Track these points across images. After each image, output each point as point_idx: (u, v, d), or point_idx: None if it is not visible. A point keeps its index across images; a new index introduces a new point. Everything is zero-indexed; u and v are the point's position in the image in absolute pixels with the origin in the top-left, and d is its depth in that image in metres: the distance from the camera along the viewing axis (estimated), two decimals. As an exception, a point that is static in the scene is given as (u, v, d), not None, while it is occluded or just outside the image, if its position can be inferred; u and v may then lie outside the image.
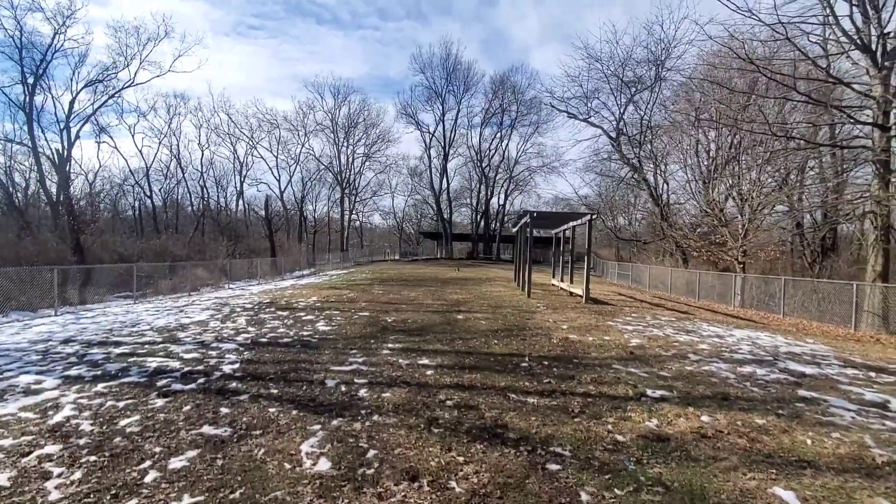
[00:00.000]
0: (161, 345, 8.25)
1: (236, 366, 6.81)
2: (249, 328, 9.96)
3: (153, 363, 6.91)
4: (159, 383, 5.92)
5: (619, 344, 8.81)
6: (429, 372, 6.60)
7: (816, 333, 12.92)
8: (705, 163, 28.56)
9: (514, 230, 25.46)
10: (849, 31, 16.01)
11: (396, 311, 12.50)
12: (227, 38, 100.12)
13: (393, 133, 75.32)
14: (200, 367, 6.69)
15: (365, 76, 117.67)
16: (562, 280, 21.83)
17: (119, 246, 35.59)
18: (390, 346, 8.30)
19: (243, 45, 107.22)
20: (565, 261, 23.79)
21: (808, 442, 4.44)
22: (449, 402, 5.32)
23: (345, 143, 58.37)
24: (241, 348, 7.97)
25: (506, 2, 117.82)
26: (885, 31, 15.77)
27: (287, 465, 3.77)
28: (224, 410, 4.99)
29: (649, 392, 5.87)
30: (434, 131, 57.93)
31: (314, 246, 57.36)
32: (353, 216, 62.27)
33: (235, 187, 57.30)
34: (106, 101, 35.88)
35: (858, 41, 15.91)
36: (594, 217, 16.78)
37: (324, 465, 3.79)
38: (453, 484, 3.52)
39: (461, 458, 3.93)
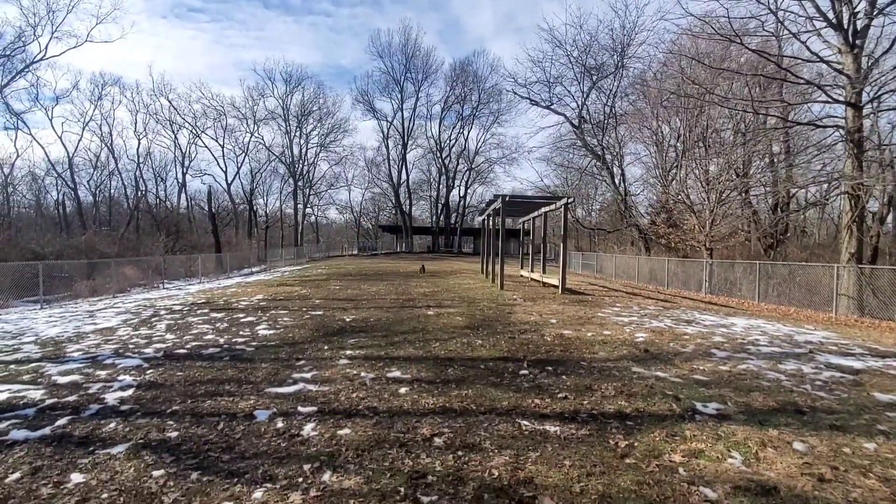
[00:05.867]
0: (34, 364, 6.05)
1: (128, 393, 4.81)
2: (168, 336, 7.83)
3: (2, 394, 4.78)
4: (-8, 430, 3.87)
5: (624, 339, 7.41)
6: (402, 390, 4.86)
7: (802, 319, 12.19)
8: (669, 150, 28.15)
9: (480, 218, 24.01)
10: (823, 8, 15.52)
11: (356, 309, 10.64)
12: (165, 21, 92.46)
13: (349, 123, 72.12)
14: (72, 399, 4.64)
15: (317, 64, 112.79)
16: (532, 270, 20.59)
17: (34, 243, 31.33)
18: (349, 353, 6.49)
19: (182, 30, 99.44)
20: (535, 251, 22.63)
21: (966, 480, 3.08)
22: (438, 441, 3.62)
23: (298, 133, 54.90)
24: (145, 365, 5.92)
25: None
26: (856, 9, 15.38)
27: None
28: (75, 479, 3.06)
29: (699, 406, 4.41)
30: (392, 120, 55.53)
31: (266, 242, 53.69)
32: (307, 210, 58.92)
33: (177, 180, 52.66)
34: (14, 77, 31.25)
35: (833, 20, 15.42)
36: (570, 201, 15.50)
37: None
38: None
39: (478, 565, 2.24)
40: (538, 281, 18.09)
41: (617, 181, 33.50)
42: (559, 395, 4.69)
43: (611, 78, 33.83)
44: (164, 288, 21.71)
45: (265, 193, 58.81)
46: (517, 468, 3.19)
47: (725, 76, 19.72)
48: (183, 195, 53.54)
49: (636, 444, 3.59)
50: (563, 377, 5.35)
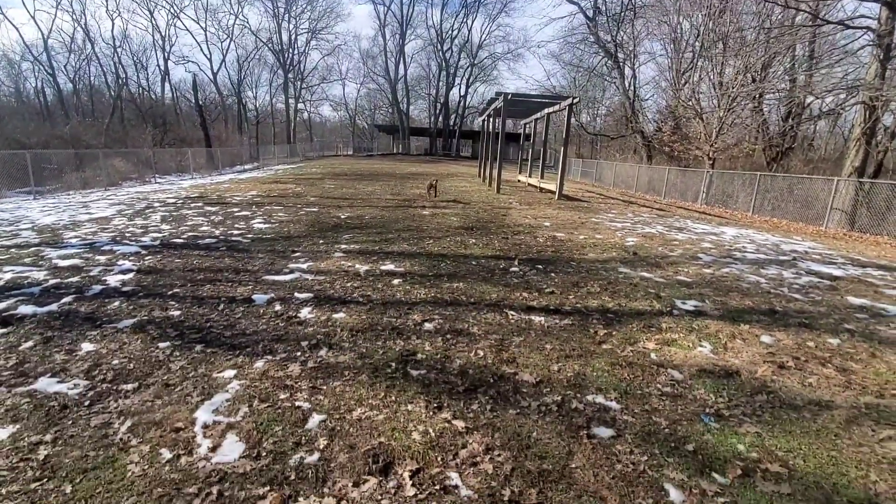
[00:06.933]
0: (33, 248, 6.15)
1: (128, 276, 4.95)
2: (163, 226, 7.89)
3: (6, 274, 4.91)
4: (1, 305, 4.03)
5: (615, 243, 7.55)
6: (396, 281, 5.03)
7: (793, 231, 12.37)
8: (686, 49, 26.27)
9: (480, 119, 23.11)
10: None
11: (351, 207, 10.63)
12: None
13: (342, 6, 65.87)
14: (74, 280, 4.78)
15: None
16: (530, 176, 20.31)
17: (18, 132, 30.17)
18: (344, 247, 6.61)
19: None
20: (534, 156, 22.13)
21: (913, 371, 3.34)
22: (428, 326, 3.83)
23: (286, 16, 50.34)
24: (143, 252, 6.03)
25: None
26: None
27: (165, 454, 2.20)
28: (86, 348, 3.26)
29: (679, 303, 4.62)
30: (390, 5, 50.78)
31: (258, 139, 51.88)
32: (299, 106, 56.14)
33: (159, 67, 49.20)
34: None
35: None
36: (576, 102, 14.79)
37: (230, 448, 2.25)
38: (454, 478, 2.10)
39: (460, 424, 2.49)
40: (535, 186, 17.94)
41: (627, 83, 31.73)
42: (546, 291, 4.88)
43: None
44: (155, 182, 21.43)
45: (254, 85, 55.53)
46: (501, 350, 3.42)
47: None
48: (167, 84, 50.47)
49: (614, 333, 3.81)
50: (552, 275, 5.53)
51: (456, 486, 2.05)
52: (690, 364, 3.31)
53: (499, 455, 2.26)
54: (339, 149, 53.55)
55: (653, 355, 3.43)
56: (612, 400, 2.79)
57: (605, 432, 2.47)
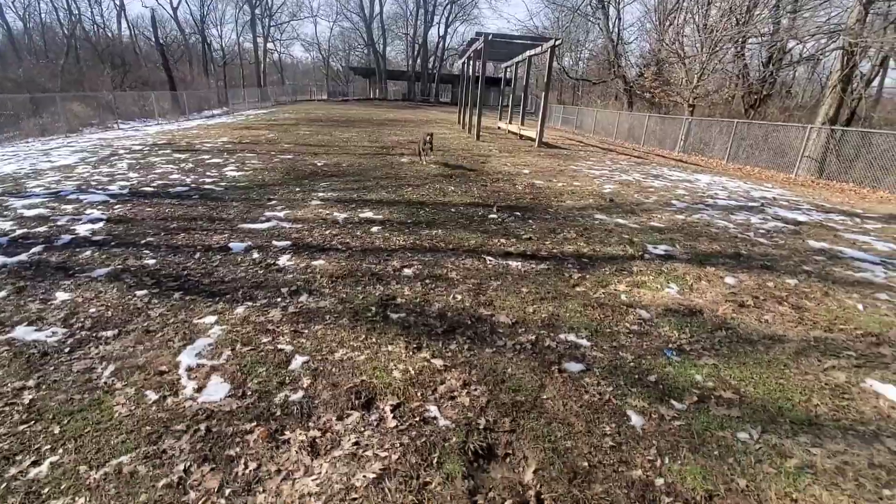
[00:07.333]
0: (-8, 198, 5.88)
1: (98, 226, 4.82)
2: (131, 174, 7.58)
3: (-33, 224, 4.72)
4: (-35, 255, 3.91)
5: (592, 190, 7.62)
6: (374, 229, 5.03)
7: (764, 178, 12.67)
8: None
9: (460, 62, 22.28)
10: None
11: (327, 155, 10.36)
12: None
13: (310, -65, 60.83)
14: (42, 230, 4.63)
15: None
16: (510, 123, 19.96)
17: (-39, 74, 27.83)
18: (321, 195, 6.51)
19: None
20: (515, 103, 21.64)
21: (860, 308, 3.59)
22: (407, 272, 3.89)
23: (248, -56, 46.26)
24: (111, 201, 5.83)
25: None
26: None
27: (151, 396, 2.26)
28: (61, 297, 3.22)
29: (651, 248, 4.78)
30: (362, -67, 47.00)
31: (226, 83, 49.02)
32: (269, 45, 52.87)
33: (113, 1, 45.29)
34: None
35: None
36: (558, 43, 14.34)
37: (215, 389, 2.32)
38: (433, 410, 2.23)
39: (438, 363, 2.61)
40: (515, 133, 17.69)
41: (611, 23, 30.77)
42: (524, 237, 4.97)
43: None
44: (119, 128, 20.30)
45: (218, 22, 51.92)
46: (479, 294, 3.52)
47: None
48: (123, 21, 46.79)
49: (588, 277, 3.95)
50: (530, 222, 5.60)
51: (434, 418, 2.18)
52: (658, 304, 3.48)
53: (475, 389, 2.39)
54: (313, 93, 51.29)
55: (623, 297, 3.59)
56: (582, 338, 2.95)
57: (575, 367, 2.63)
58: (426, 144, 9.87)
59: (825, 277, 4.18)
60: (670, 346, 2.89)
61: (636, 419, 2.22)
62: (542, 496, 1.78)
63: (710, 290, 3.79)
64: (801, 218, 6.55)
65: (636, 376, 2.56)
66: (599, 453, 2.01)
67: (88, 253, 4.05)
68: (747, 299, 3.60)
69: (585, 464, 1.94)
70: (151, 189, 6.55)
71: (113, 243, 4.30)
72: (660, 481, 1.87)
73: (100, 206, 5.55)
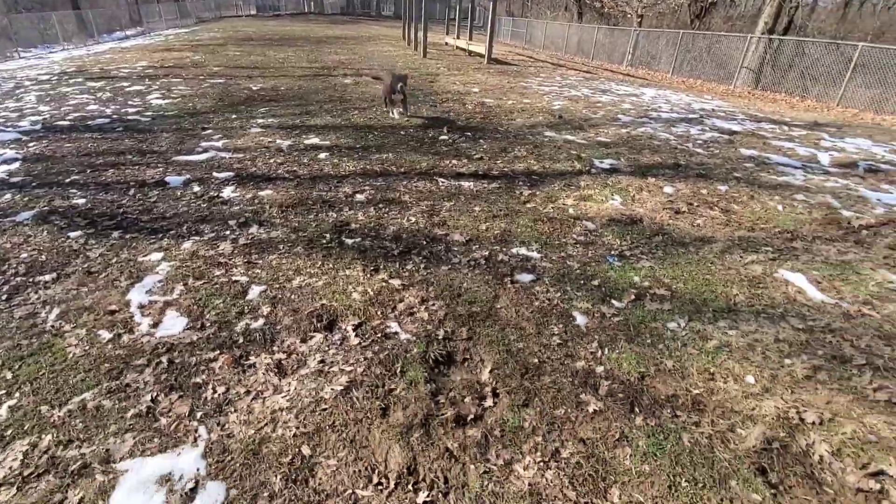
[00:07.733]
0: None
1: (14, 166, 4.36)
2: (41, 108, 6.75)
3: None
4: None
5: (542, 108, 7.57)
6: (322, 156, 4.85)
7: (705, 91, 12.98)
8: None
9: (401, -30, 20.40)
10: None
11: (263, 78, 9.57)
12: None
13: None
14: (-58, 172, 4.15)
15: None
16: (458, 38, 18.94)
17: None
18: (261, 121, 6.11)
19: None
20: (462, 17, 20.40)
21: (780, 208, 3.93)
22: (360, 197, 3.84)
23: None
24: (24, 138, 5.23)
25: None
26: None
27: (104, 335, 2.22)
28: (-18, 244, 2.99)
29: (597, 162, 4.91)
30: None
31: (134, -4, 42.80)
32: (179, -50, 45.83)
33: None
34: None
35: None
36: (504, -53, 13.33)
37: (172, 323, 2.31)
38: (394, 326, 2.34)
39: (396, 282, 2.69)
40: (464, 49, 16.88)
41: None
42: (476, 157, 4.96)
43: None
44: (20, 57, 17.65)
45: (113, -79, 43.79)
46: (433, 215, 3.56)
47: None
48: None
49: (538, 193, 4.06)
50: (481, 142, 5.56)
51: (396, 333, 2.29)
52: (602, 215, 3.66)
53: (433, 305, 2.51)
54: (240, 7, 45.94)
55: (570, 210, 3.74)
56: (533, 251, 3.09)
57: (526, 278, 2.79)
58: (396, 93, 6.35)
59: (752, 182, 4.50)
60: (612, 252, 3.10)
61: (581, 319, 2.43)
62: (498, 390, 1.97)
63: (651, 199, 4.01)
64: (736, 128, 6.86)
65: (581, 282, 2.76)
66: (548, 351, 2.21)
67: (8, 196, 3.70)
68: (683, 206, 3.86)
69: (536, 360, 2.14)
70: (68, 122, 5.90)
71: (34, 184, 3.94)
72: (600, 368, 2.10)
73: (12, 145, 4.98)
